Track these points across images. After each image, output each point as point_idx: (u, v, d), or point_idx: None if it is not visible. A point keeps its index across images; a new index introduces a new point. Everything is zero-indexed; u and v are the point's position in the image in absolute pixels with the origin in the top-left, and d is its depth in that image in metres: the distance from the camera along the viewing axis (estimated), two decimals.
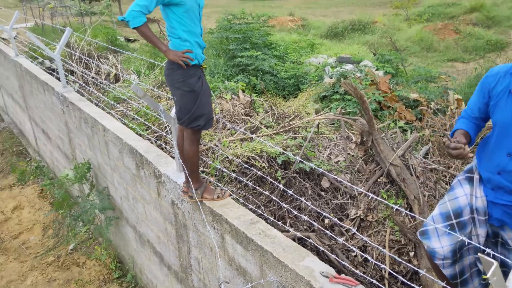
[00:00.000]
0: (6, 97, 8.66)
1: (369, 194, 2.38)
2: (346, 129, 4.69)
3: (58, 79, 5.68)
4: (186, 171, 2.58)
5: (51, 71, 7.69)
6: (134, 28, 2.15)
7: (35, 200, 6.33)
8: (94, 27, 12.19)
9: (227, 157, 4.17)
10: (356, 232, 2.35)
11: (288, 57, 9.46)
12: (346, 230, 3.47)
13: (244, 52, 8.13)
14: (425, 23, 15.00)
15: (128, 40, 14.22)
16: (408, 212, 2.30)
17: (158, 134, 4.72)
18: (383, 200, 2.48)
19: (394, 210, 3.35)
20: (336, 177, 3.65)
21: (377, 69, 7.69)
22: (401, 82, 7.09)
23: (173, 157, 3.38)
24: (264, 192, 3.24)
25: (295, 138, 4.79)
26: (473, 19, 14.95)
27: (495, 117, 1.95)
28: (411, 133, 4.88)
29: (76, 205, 5.26)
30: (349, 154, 4.32)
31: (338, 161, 4.42)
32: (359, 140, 4.22)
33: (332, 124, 5.73)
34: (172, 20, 2.27)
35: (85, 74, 7.76)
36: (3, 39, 10.02)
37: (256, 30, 8.89)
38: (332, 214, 3.72)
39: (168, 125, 2.77)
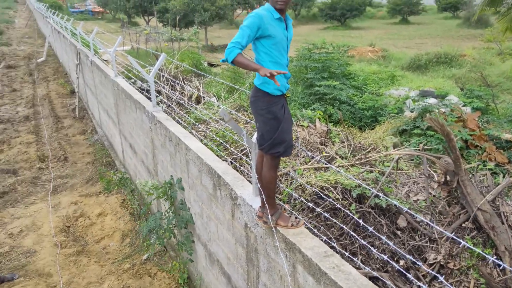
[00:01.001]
0: (102, 112, 9.59)
1: (453, 237, 2.21)
2: (428, 166, 4.45)
3: (149, 98, 6.19)
4: (262, 196, 2.63)
5: (142, 90, 8.40)
6: (231, 62, 2.28)
7: (117, 208, 6.83)
8: (182, 52, 13.13)
9: (300, 185, 4.17)
10: (439, 276, 2.18)
11: (367, 88, 9.30)
12: (423, 275, 3.24)
13: (322, 81, 8.17)
14: None
15: (211, 65, 15.05)
16: (498, 261, 2.09)
17: (235, 156, 4.88)
18: (470, 247, 2.30)
19: (480, 259, 3.07)
20: (415, 215, 3.46)
21: (464, 105, 7.24)
22: (491, 120, 6.58)
23: (250, 181, 3.47)
24: (337, 223, 3.18)
25: (371, 171, 4.65)
26: None
27: None
28: (503, 177, 4.48)
29: (153, 217, 5.58)
30: (430, 193, 4.07)
31: (418, 200, 4.19)
32: (442, 180, 3.97)
33: (411, 160, 5.47)
34: (261, 52, 2.39)
35: (171, 94, 8.35)
36: (104, 60, 11.19)
37: (335, 60, 8.91)
38: (408, 256, 3.51)
39: (249, 150, 2.87)
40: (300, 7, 39.53)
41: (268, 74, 2.20)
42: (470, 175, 3.89)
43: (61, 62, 19.53)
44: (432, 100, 7.70)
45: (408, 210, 2.89)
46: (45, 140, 10.01)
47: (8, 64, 20.09)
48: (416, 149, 5.23)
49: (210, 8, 21.84)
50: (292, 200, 3.95)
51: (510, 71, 12.19)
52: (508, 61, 13.80)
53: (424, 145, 5.42)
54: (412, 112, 7.13)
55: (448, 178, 3.79)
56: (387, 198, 3.49)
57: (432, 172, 4.48)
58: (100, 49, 11.58)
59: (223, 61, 2.32)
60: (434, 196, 4.07)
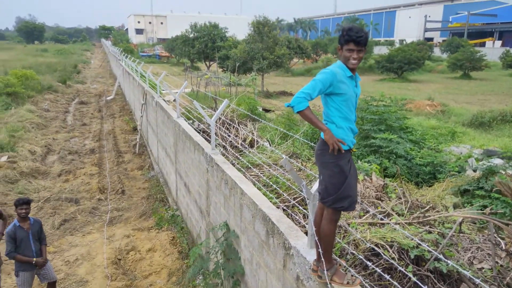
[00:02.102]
0: (161, 150, 10.08)
1: None
2: (494, 232, 4.15)
3: (207, 140, 6.45)
4: (319, 249, 2.60)
5: (199, 130, 8.78)
6: (297, 112, 2.38)
7: (167, 245, 6.97)
8: (239, 97, 13.66)
9: (354, 239, 4.05)
10: None
11: (425, 143, 9.01)
12: None
13: (379, 133, 8.07)
14: None
15: (266, 110, 15.44)
16: None
17: (287, 203, 4.87)
18: None
19: None
20: (480, 283, 3.20)
21: None
22: None
23: (304, 231, 3.44)
24: (395, 284, 3.02)
25: (431, 232, 4.42)
26: None
27: None
28: None
29: (201, 258, 5.62)
30: (497, 262, 3.77)
31: (482, 268, 3.89)
32: (511, 249, 3.68)
33: (473, 223, 5.14)
34: (331, 107, 2.46)
35: (226, 136, 8.64)
36: (166, 100, 11.91)
37: (392, 113, 8.80)
38: None
39: (307, 200, 2.87)
40: None
41: (331, 144, 2.33)
42: None
43: (127, 100, 21.02)
44: (497, 161, 7.28)
45: (472, 277, 2.69)
46: (106, 173, 10.62)
47: (81, 100, 21.97)
48: (481, 212, 4.92)
49: (269, 57, 22.73)
50: (345, 255, 3.83)
51: None
52: None
53: (490, 209, 5.08)
54: (475, 171, 6.77)
55: None
56: (448, 262, 3.29)
57: (499, 239, 4.17)
58: (164, 90, 12.40)
59: (288, 105, 2.41)
60: (501, 266, 3.76)
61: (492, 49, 52.35)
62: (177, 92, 8.12)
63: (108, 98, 22.77)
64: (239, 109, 10.40)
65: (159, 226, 7.73)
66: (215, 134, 8.66)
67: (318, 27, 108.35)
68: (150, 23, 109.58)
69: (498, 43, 62.34)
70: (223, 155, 6.23)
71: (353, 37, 2.40)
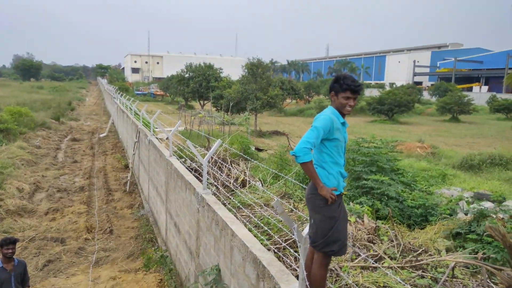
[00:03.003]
0: (151, 189, 9.98)
1: None
2: (487, 278, 4.10)
3: (199, 179, 6.42)
4: None
5: (191, 169, 8.75)
6: (301, 163, 2.42)
7: None
8: (232, 136, 13.77)
9: (347, 284, 3.96)
10: None
11: (416, 185, 9.04)
12: None
13: (370, 175, 8.10)
14: None
15: (259, 150, 15.51)
16: None
17: (278, 246, 4.80)
18: None
19: None
20: None
21: None
22: None
23: (295, 275, 3.37)
24: None
25: (423, 277, 4.36)
26: None
27: None
28: None
29: None
30: None
31: None
32: None
33: (466, 267, 5.07)
34: (323, 152, 2.51)
35: (218, 175, 8.61)
36: (159, 138, 11.95)
37: (383, 154, 8.90)
38: None
39: (298, 243, 2.84)
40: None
41: (328, 197, 2.37)
42: None
43: (120, 138, 21.04)
44: (488, 204, 7.31)
45: None
46: (95, 212, 10.43)
47: (73, 137, 21.95)
48: (473, 257, 4.88)
49: (262, 97, 23.15)
50: None
51: None
52: None
53: (482, 254, 5.04)
54: (466, 214, 6.77)
55: None
56: None
57: (492, 285, 4.11)
58: (157, 128, 12.48)
59: (292, 154, 2.45)
60: None
61: (479, 94, 53.99)
62: (170, 131, 8.17)
63: (101, 135, 22.79)
64: (231, 148, 10.46)
65: (147, 267, 7.51)
66: (207, 173, 8.66)
67: (310, 69, 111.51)
68: (146, 62, 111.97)
69: (485, 88, 64.39)
70: (215, 195, 6.19)
71: (351, 86, 2.50)
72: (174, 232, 7.33)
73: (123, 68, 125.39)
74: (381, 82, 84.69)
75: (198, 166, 9.08)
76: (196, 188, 5.68)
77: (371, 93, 52.79)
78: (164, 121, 19.91)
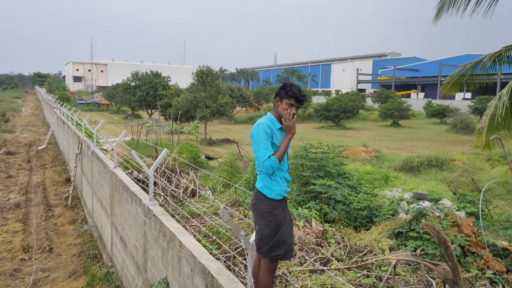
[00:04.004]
0: (95, 202, 9.52)
1: None
2: (426, 273, 4.33)
3: (145, 190, 6.21)
4: None
5: (137, 180, 8.46)
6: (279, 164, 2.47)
7: None
8: (181, 145, 13.53)
9: None
10: None
11: (361, 188, 9.41)
12: None
13: (318, 179, 8.31)
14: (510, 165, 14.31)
15: (209, 158, 15.38)
16: None
17: (228, 254, 4.75)
18: None
19: None
20: None
21: (457, 210, 7.28)
22: (486, 226, 6.57)
23: (245, 283, 3.34)
24: None
25: (368, 276, 4.51)
26: None
27: None
28: (503, 287, 4.34)
29: None
30: None
31: None
32: None
33: (408, 264, 5.33)
34: None
35: (166, 186, 8.40)
36: (103, 149, 11.46)
37: (330, 159, 9.17)
38: None
39: (246, 251, 2.82)
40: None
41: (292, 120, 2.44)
42: (470, 285, 3.78)
43: (61, 150, 19.92)
44: (426, 203, 7.76)
45: None
46: (32, 229, 9.74)
47: (7, 151, 20.42)
48: (414, 254, 5.13)
49: (212, 105, 23.03)
50: None
51: (500, 176, 12.50)
52: (497, 167, 14.24)
53: (421, 250, 5.32)
54: (407, 214, 7.13)
55: (447, 287, 3.66)
56: None
57: (431, 279, 4.35)
58: (101, 138, 11.96)
59: (268, 174, 2.48)
60: None
61: (417, 100, 57.58)
62: (114, 141, 7.86)
63: (40, 147, 21.43)
64: (179, 158, 10.27)
65: (91, 286, 7.11)
66: (155, 184, 8.41)
67: (259, 77, 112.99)
68: (89, 71, 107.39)
69: (421, 94, 68.88)
70: (162, 206, 6.02)
71: (297, 94, 2.54)
72: (120, 246, 7.02)
73: (64, 77, 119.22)
74: (328, 89, 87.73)
75: (145, 177, 8.81)
76: (143, 200, 5.49)
77: (318, 100, 54.43)
78: (109, 131, 19.15)
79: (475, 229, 5.93)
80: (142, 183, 8.52)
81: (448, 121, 34.69)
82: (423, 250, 5.35)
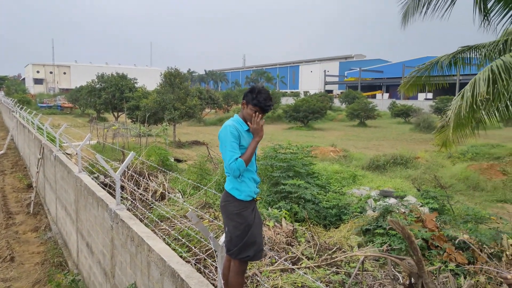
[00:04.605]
0: (60, 208, 9.18)
1: None
2: (392, 267, 4.46)
3: (112, 195, 6.06)
4: None
5: (104, 185, 8.23)
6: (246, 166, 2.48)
7: None
8: (149, 148, 13.29)
9: None
10: None
11: (330, 187, 9.57)
12: None
13: (288, 180, 8.37)
14: (469, 162, 14.99)
15: (179, 160, 15.18)
16: None
17: (198, 257, 4.71)
18: None
19: None
20: None
21: (421, 206, 7.54)
22: (448, 221, 6.84)
23: (214, 285, 3.32)
24: None
25: (337, 273, 4.59)
26: None
27: None
28: (464, 278, 4.53)
29: None
30: None
31: None
32: (407, 282, 3.96)
33: (376, 260, 5.47)
34: None
35: (134, 190, 8.22)
36: (67, 154, 11.08)
37: (299, 160, 9.26)
38: None
39: (215, 252, 2.80)
40: None
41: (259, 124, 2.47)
42: (433, 277, 3.92)
43: (21, 155, 19.09)
44: (392, 200, 7.99)
45: None
46: None
47: None
48: (380, 250, 5.27)
49: (180, 107, 22.77)
50: None
51: (460, 173, 13.08)
52: (457, 164, 14.87)
53: (388, 246, 5.47)
54: (374, 211, 7.32)
55: (412, 280, 3.79)
56: None
57: (397, 274, 4.48)
58: (64, 143, 11.55)
59: (235, 176, 2.46)
60: None
61: (382, 101, 59.28)
62: (79, 145, 7.62)
63: None
64: (147, 162, 10.07)
65: None
66: (122, 188, 8.21)
67: (228, 79, 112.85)
68: (51, 73, 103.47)
69: (386, 95, 71.01)
70: (130, 210, 5.90)
71: (262, 104, 2.56)
72: (86, 253, 6.80)
73: (24, 79, 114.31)
74: (296, 90, 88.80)
75: (112, 182, 8.58)
76: (109, 204, 5.35)
77: (287, 101, 54.95)
78: (73, 135, 18.54)
79: (438, 223, 6.17)
80: (109, 187, 8.29)
81: (412, 121, 35.91)
82: (389, 245, 5.50)
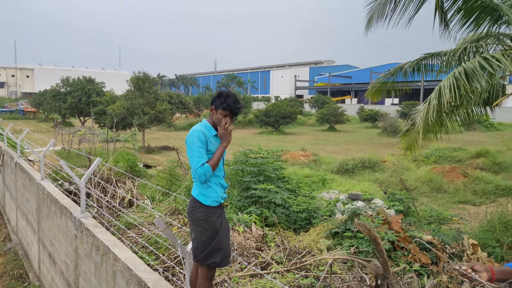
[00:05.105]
0: (20, 218, 8.79)
1: None
2: (360, 270, 4.54)
3: (77, 203, 5.86)
4: None
5: (69, 193, 7.95)
6: (212, 172, 2.45)
7: None
8: (117, 154, 12.98)
9: None
10: None
11: (300, 191, 9.67)
12: None
13: (258, 184, 8.39)
14: (433, 165, 15.54)
15: (148, 166, 14.91)
16: None
17: (167, 265, 4.62)
18: None
19: None
20: None
21: (388, 208, 7.74)
22: (413, 222, 7.06)
23: None
24: None
25: (307, 277, 4.63)
26: (479, 164, 15.51)
27: None
28: (428, 278, 4.68)
29: None
30: None
31: None
32: (373, 284, 4.04)
33: (344, 262, 5.55)
34: None
35: (101, 197, 7.99)
36: (29, 160, 10.65)
37: (270, 164, 9.30)
38: None
39: (183, 260, 2.76)
40: None
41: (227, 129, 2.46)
42: (399, 278, 4.02)
43: None
44: (360, 203, 8.16)
45: None
46: None
47: None
48: (348, 253, 5.36)
49: (150, 112, 22.40)
50: None
51: (425, 176, 13.54)
52: (422, 167, 15.39)
53: (355, 248, 5.57)
54: (343, 215, 7.44)
55: (378, 281, 3.87)
56: None
57: (364, 276, 4.56)
58: (26, 149, 11.09)
59: (201, 182, 2.43)
60: None
61: (351, 105, 60.61)
62: (41, 151, 7.33)
63: None
64: (114, 168, 9.83)
65: None
66: (89, 195, 7.96)
67: (199, 83, 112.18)
68: (13, 76, 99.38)
69: (355, 100, 72.70)
70: (96, 218, 5.72)
71: (231, 107, 2.54)
72: (48, 264, 6.53)
73: None
74: (267, 95, 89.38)
75: (77, 189, 8.30)
76: (73, 213, 5.17)
77: (258, 106, 55.19)
78: (36, 141, 17.86)
79: (403, 225, 6.35)
80: (74, 195, 8.02)
81: (379, 125, 36.91)
82: (357, 248, 5.60)
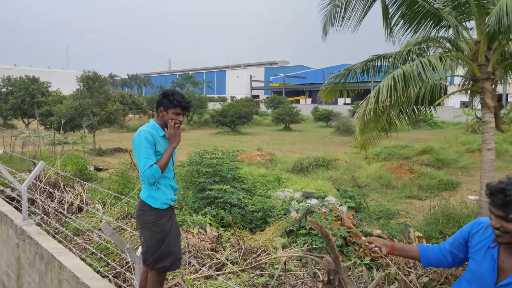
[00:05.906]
0: None
1: None
2: (313, 266, 4.64)
3: (18, 209, 5.51)
4: None
5: (11, 200, 7.47)
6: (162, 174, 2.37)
7: None
8: (65, 157, 12.39)
9: None
10: None
11: (256, 191, 9.71)
12: None
13: (214, 185, 8.33)
14: (382, 162, 16.23)
15: (99, 169, 14.35)
16: None
17: (117, 271, 4.47)
18: None
19: None
20: None
21: (340, 205, 7.97)
22: (364, 217, 7.32)
23: None
24: None
25: (262, 275, 4.66)
26: (424, 160, 16.41)
27: (471, 265, 2.06)
28: (377, 270, 4.86)
29: None
30: None
31: None
32: (326, 279, 4.15)
33: (299, 260, 5.65)
34: None
35: (47, 204, 7.57)
36: None
37: (226, 164, 9.26)
38: None
39: (132, 264, 2.68)
40: (192, 113, 41.56)
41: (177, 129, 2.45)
42: (350, 272, 4.15)
43: None
44: (314, 201, 8.34)
45: None
46: None
47: None
48: (302, 250, 5.45)
49: (100, 113, 21.57)
50: None
51: (375, 172, 14.10)
52: (372, 164, 16.02)
53: (309, 245, 5.69)
54: (297, 213, 7.57)
55: (331, 277, 3.97)
56: None
57: (317, 272, 4.67)
58: None
59: (150, 184, 2.35)
60: None
61: (305, 105, 61.87)
62: None
63: None
64: (61, 172, 9.37)
65: None
66: (34, 202, 7.52)
67: (153, 83, 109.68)
68: None
69: (309, 100, 74.34)
70: (41, 225, 5.42)
71: (182, 102, 2.49)
72: None
73: None
74: (223, 95, 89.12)
75: (19, 195, 7.81)
76: (14, 220, 4.86)
77: (214, 106, 54.89)
78: None
79: (355, 221, 6.57)
80: (17, 202, 7.55)
81: (332, 124, 37.98)
82: (310, 244, 5.72)
